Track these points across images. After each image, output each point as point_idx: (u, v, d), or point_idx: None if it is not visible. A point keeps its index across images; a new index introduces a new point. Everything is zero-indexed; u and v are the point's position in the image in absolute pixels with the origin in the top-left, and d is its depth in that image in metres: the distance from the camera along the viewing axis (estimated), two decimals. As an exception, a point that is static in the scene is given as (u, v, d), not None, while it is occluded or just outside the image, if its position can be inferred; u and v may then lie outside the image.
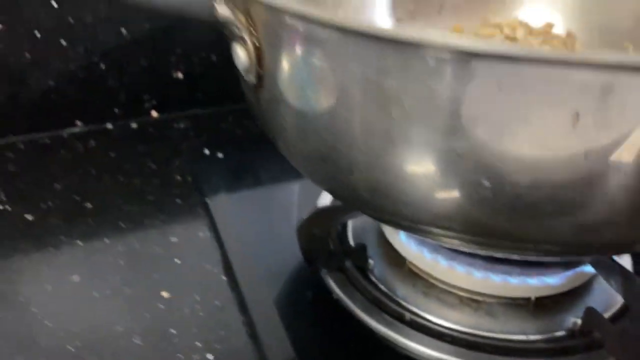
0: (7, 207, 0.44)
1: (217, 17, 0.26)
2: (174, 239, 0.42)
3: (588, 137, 0.22)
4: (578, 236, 0.25)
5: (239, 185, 0.49)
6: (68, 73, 0.52)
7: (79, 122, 0.54)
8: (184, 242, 0.42)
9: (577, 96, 0.21)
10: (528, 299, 0.35)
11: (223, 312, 0.36)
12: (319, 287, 0.37)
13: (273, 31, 0.26)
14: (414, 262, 0.37)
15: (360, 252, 0.38)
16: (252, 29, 0.26)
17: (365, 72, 0.24)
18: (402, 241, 0.37)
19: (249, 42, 0.26)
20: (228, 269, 0.39)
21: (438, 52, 0.21)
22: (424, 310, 0.35)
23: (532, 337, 0.34)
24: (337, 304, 0.36)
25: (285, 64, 0.26)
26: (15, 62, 0.50)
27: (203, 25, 0.28)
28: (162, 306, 0.36)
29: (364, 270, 0.38)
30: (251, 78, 0.28)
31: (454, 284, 0.36)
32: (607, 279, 0.35)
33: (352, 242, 0.40)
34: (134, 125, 0.55)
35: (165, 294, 0.37)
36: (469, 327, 0.34)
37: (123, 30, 0.52)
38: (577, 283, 0.36)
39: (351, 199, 0.31)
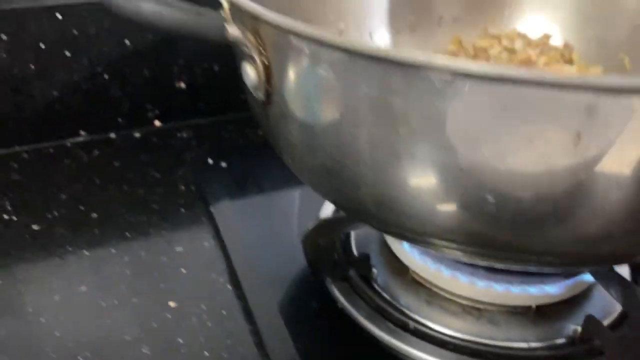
0: (13, 217, 0.45)
1: (228, 38, 0.26)
2: (179, 249, 0.43)
3: (589, 155, 0.22)
4: (578, 249, 0.26)
5: (242, 194, 0.49)
6: (72, 84, 0.53)
7: (82, 132, 0.55)
8: (189, 251, 0.43)
9: (578, 116, 0.21)
10: (529, 307, 0.36)
11: (229, 321, 0.37)
12: (324, 296, 0.38)
13: (281, 51, 0.26)
14: (417, 271, 0.38)
15: (364, 261, 0.39)
16: (261, 48, 0.27)
17: (371, 91, 0.24)
18: (406, 250, 0.38)
19: (258, 61, 0.27)
20: (233, 278, 0.40)
21: (441, 73, 0.22)
22: (427, 319, 0.36)
23: (533, 345, 0.35)
24: (342, 313, 0.37)
25: (293, 82, 0.27)
26: (19, 73, 0.51)
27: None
28: (169, 316, 0.37)
29: (367, 279, 0.38)
30: (260, 95, 0.28)
31: (456, 292, 0.36)
32: (606, 288, 0.35)
33: (355, 252, 0.41)
34: (137, 134, 0.56)
35: (172, 304, 0.38)
36: (472, 335, 0.35)
37: (126, 42, 0.53)
38: (576, 291, 0.36)
39: (357, 212, 0.32)
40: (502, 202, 0.24)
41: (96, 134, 0.55)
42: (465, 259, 0.32)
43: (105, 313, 0.37)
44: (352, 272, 0.38)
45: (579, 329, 0.35)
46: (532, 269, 0.34)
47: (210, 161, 0.52)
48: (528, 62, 0.43)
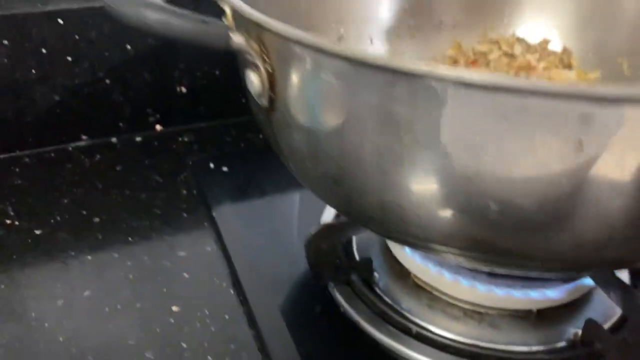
0: (15, 222, 0.45)
1: (232, 46, 0.27)
2: (181, 253, 0.43)
3: (591, 162, 0.23)
4: (579, 255, 0.26)
5: (244, 198, 0.50)
6: (73, 88, 0.53)
7: (84, 137, 0.55)
8: (191, 255, 0.43)
9: (577, 124, 0.22)
10: (530, 311, 0.36)
11: (232, 325, 0.37)
12: (326, 300, 0.38)
13: (285, 59, 0.27)
14: (419, 275, 0.38)
15: (365, 265, 0.39)
16: (265, 56, 0.27)
17: (373, 99, 0.25)
18: (407, 255, 0.38)
19: (262, 68, 0.27)
20: (236, 282, 0.40)
21: (443, 83, 0.22)
22: (428, 322, 0.36)
23: (534, 348, 0.35)
24: (344, 316, 0.37)
25: (296, 90, 0.27)
26: (21, 78, 0.51)
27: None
28: (172, 320, 0.37)
29: (369, 283, 0.39)
30: (264, 102, 0.29)
31: (458, 296, 0.37)
32: (606, 292, 0.36)
33: (357, 256, 0.41)
34: (138, 139, 0.56)
35: (175, 308, 0.38)
36: (473, 338, 0.35)
37: (127, 46, 0.53)
38: (577, 295, 0.37)
39: (359, 218, 0.32)
40: (504, 209, 0.24)
41: (98, 139, 0.55)
42: (467, 264, 0.32)
43: (109, 318, 0.37)
44: (354, 276, 0.39)
45: (580, 332, 0.35)
46: (533, 274, 0.34)
47: (211, 165, 0.53)
48: (527, 67, 0.44)
